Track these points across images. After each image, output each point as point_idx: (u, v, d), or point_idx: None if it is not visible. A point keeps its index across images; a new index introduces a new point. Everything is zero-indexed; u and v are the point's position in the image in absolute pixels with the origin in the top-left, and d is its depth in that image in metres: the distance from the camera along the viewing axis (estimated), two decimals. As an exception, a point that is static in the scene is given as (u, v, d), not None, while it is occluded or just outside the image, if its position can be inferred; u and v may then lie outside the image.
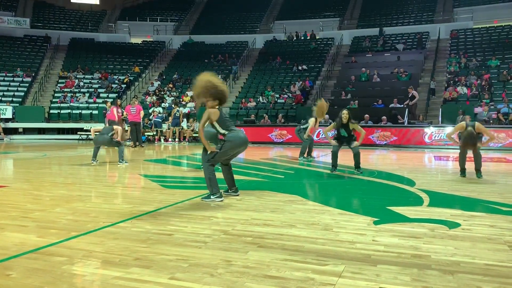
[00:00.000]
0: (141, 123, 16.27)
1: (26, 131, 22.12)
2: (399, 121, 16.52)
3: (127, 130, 15.36)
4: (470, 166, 7.32)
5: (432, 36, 25.25)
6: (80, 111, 22.93)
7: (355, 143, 7.59)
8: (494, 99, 17.93)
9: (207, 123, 4.89)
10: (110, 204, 4.71)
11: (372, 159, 11.11)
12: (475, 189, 5.85)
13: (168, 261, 2.80)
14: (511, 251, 3.05)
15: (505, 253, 3.01)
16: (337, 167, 7.70)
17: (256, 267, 2.69)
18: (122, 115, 16.89)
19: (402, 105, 17.74)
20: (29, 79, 25.59)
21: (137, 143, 15.42)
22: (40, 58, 28.02)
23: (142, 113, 16.05)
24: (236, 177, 6.89)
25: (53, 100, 24.21)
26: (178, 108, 19.04)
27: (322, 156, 11.50)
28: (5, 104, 22.21)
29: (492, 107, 16.84)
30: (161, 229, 3.61)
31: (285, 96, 21.75)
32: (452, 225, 3.80)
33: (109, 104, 15.88)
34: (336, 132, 7.77)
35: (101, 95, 24.26)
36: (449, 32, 25.27)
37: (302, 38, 28.79)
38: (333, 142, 7.70)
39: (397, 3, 29.97)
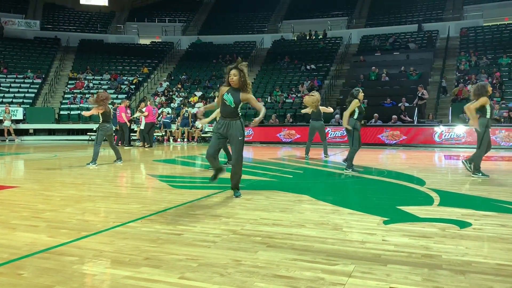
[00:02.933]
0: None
1: (37, 132, 22.37)
2: (403, 120, 16.46)
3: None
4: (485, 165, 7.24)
5: (442, 34, 25.03)
6: (90, 112, 23.07)
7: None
8: (505, 97, 17.74)
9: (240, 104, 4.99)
10: (120, 204, 4.74)
11: (382, 159, 11.04)
12: (486, 189, 5.78)
13: (177, 260, 2.81)
14: (524, 251, 3.01)
15: (517, 253, 2.97)
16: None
17: (265, 267, 2.68)
18: (131, 116, 17.00)
19: (412, 104, 17.64)
20: (39, 81, 25.85)
21: (147, 144, 15.48)
22: (50, 59, 28.29)
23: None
24: (244, 176, 6.90)
25: (63, 101, 24.43)
26: (186, 109, 19.10)
27: (331, 155, 11.46)
28: (16, 105, 22.47)
29: (503, 105, 16.67)
30: (170, 229, 3.62)
31: (293, 95, 21.72)
32: (463, 224, 3.76)
33: (115, 105, 16.07)
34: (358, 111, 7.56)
35: (111, 96, 24.42)
36: (459, 30, 25.05)
37: (314, 37, 28.64)
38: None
39: (406, 1, 29.77)
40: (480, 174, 6.83)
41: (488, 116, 6.79)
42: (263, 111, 4.97)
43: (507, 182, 6.38)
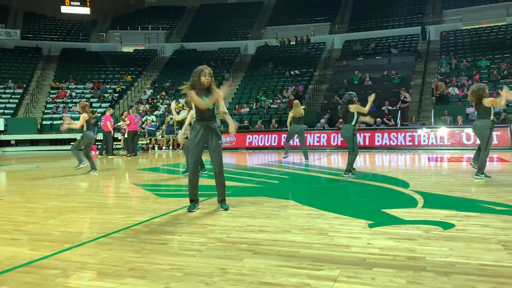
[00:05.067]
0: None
1: (19, 143, 21.98)
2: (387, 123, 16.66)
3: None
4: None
5: (422, 38, 25.44)
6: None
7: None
8: (485, 99, 18.04)
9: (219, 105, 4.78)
10: (104, 215, 4.68)
11: (366, 162, 11.12)
12: (469, 189, 5.87)
13: (162, 270, 2.78)
14: (505, 250, 3.06)
15: (499, 252, 3.02)
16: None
17: (251, 274, 2.68)
18: (115, 124, 16.85)
19: (395, 107, 17.85)
20: (20, 91, 25.49)
21: (130, 153, 15.35)
22: (31, 69, 27.92)
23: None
24: (230, 183, 6.88)
25: (45, 111, 24.12)
26: (171, 116, 18.99)
27: (316, 160, 11.51)
28: (-3, 116, 22.10)
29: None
30: (155, 239, 3.58)
31: (278, 101, 21.80)
32: (447, 226, 3.81)
33: (96, 114, 15.99)
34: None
35: (94, 105, 24.22)
36: (439, 33, 25.50)
37: (300, 44, 28.75)
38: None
39: (387, 6, 30.20)
40: (483, 176, 6.82)
41: (491, 118, 6.84)
42: (229, 118, 4.78)
43: (489, 183, 6.48)
